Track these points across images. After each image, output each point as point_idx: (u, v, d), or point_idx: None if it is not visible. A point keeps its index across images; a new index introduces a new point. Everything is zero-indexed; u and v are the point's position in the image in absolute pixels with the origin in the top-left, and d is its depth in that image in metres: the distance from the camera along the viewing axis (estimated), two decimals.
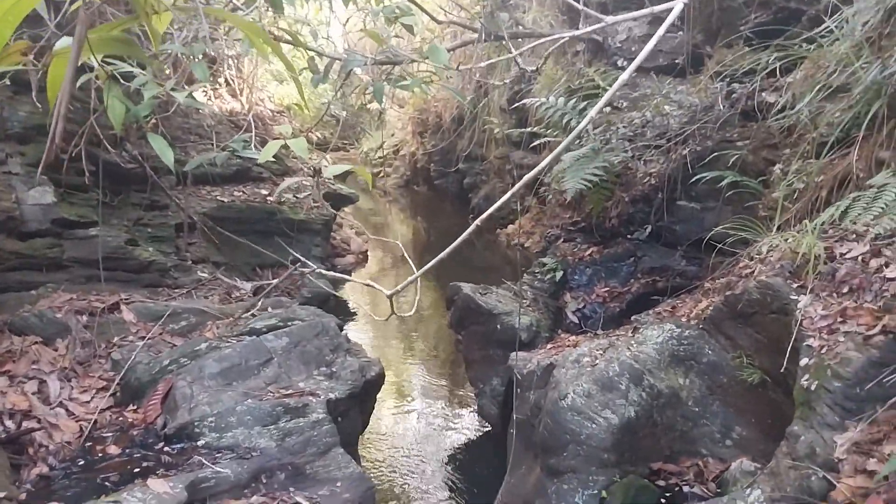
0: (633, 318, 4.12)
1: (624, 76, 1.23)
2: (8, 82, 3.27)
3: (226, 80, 8.04)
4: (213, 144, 6.16)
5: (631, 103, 6.08)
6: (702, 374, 3.40)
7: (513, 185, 8.73)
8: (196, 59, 3.52)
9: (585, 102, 5.92)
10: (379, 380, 4.08)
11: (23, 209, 3.75)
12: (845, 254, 2.90)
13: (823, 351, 2.60)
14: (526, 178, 1.92)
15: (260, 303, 4.50)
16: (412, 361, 6.61)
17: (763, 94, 4.50)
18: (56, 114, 0.92)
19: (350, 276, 9.31)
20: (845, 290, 2.76)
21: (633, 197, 5.55)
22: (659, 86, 5.51)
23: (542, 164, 1.94)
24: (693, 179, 4.66)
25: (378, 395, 4.30)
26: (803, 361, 2.66)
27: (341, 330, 4.23)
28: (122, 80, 3.05)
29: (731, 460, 3.14)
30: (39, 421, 2.94)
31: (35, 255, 3.87)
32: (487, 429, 5.15)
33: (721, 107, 4.83)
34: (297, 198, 6.66)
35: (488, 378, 5.09)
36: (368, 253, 10.34)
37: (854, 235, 3.00)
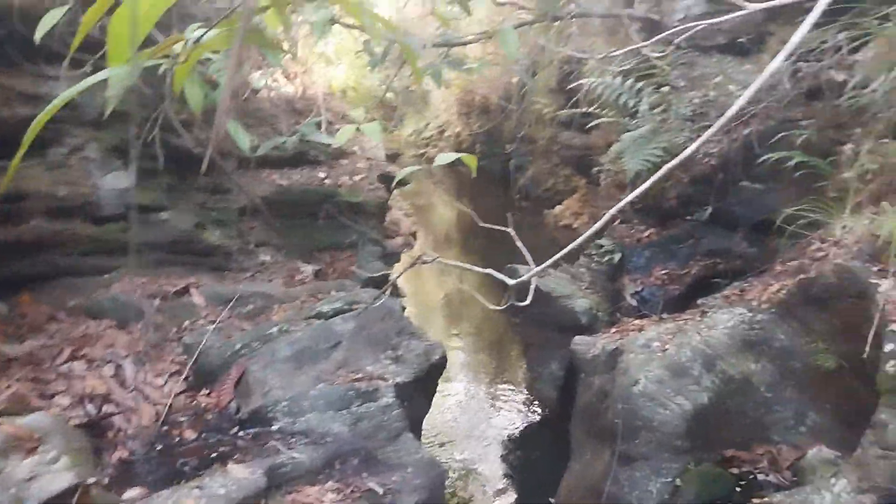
0: (699, 301, 4.05)
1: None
2: (89, 70, 3.35)
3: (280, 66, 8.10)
4: (272, 128, 6.23)
5: (689, 83, 5.92)
6: (774, 360, 3.33)
7: (560, 164, 8.57)
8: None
9: (642, 82, 5.80)
10: (442, 363, 4.09)
11: (99, 194, 3.88)
12: None
13: None
14: (667, 167, 1.84)
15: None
16: (463, 344, 6.65)
17: (830, 72, 4.33)
18: (223, 103, 0.94)
19: (401, 255, 9.38)
20: None
21: (693, 177, 5.43)
22: (720, 65, 5.35)
23: (708, 132, 1.84)
24: (757, 160, 4.52)
25: None
26: (888, 347, 2.58)
27: (404, 312, 4.27)
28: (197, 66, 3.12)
29: (806, 448, 3.07)
30: (118, 405, 3.04)
31: (108, 238, 3.99)
32: (545, 414, 5.15)
33: (786, 86, 4.67)
34: (353, 180, 6.70)
35: (546, 362, 5.08)
36: (416, 235, 10.38)
37: None
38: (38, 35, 2.48)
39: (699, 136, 5.20)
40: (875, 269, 2.93)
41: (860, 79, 3.74)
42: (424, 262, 1.59)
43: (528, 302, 1.49)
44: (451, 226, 12.52)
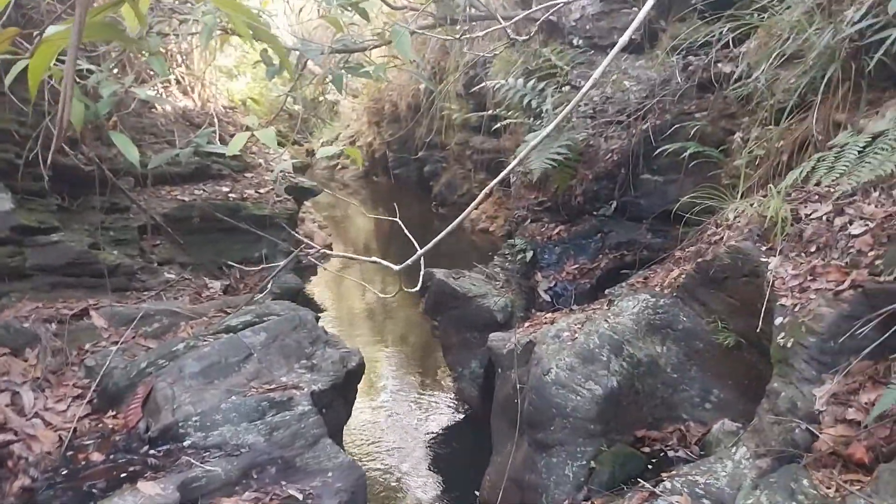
0: (606, 291, 4.20)
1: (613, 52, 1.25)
2: None
3: (176, 79, 7.83)
4: (168, 144, 6.01)
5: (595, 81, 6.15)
6: (678, 341, 3.49)
7: (473, 170, 8.69)
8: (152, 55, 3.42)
9: (544, 83, 5.97)
10: (360, 369, 4.06)
11: None
12: (810, 214, 3.01)
13: (796, 309, 2.69)
14: (528, 147, 1.92)
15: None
16: (386, 351, 6.61)
17: (718, 65, 4.61)
18: (62, 100, 0.89)
19: (318, 268, 9.24)
20: (813, 248, 2.87)
21: (597, 174, 5.63)
22: (617, 62, 5.58)
23: (547, 129, 1.93)
24: (655, 153, 4.75)
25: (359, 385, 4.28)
26: (778, 320, 2.75)
27: (318, 322, 4.20)
28: (77, 79, 2.96)
29: (712, 423, 3.23)
30: (16, 433, 2.84)
31: None
32: (468, 412, 5.19)
33: (678, 80, 4.94)
34: (259, 193, 6.54)
35: (466, 361, 5.13)
36: (333, 247, 10.28)
37: (817, 196, 3.11)
38: None
39: (599, 132, 5.42)
40: (764, 248, 3.12)
41: (744, 69, 3.99)
42: (308, 254, 1.58)
43: (418, 288, 1.51)
44: (368, 237, 12.47)
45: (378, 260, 1.52)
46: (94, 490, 2.66)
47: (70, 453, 2.91)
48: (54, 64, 2.60)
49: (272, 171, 7.52)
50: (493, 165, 8.75)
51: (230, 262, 5.97)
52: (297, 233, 8.46)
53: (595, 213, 5.63)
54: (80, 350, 3.52)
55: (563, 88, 5.96)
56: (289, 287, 6.00)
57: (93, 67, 3.08)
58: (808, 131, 3.33)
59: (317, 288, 8.32)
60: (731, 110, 4.53)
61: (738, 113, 4.42)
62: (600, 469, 3.09)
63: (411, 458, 4.62)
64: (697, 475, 2.62)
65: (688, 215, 4.02)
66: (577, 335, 3.50)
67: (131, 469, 2.77)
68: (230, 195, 6.17)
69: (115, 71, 4.81)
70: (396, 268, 1.36)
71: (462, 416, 5.21)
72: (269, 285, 4.99)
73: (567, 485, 3.10)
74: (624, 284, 4.14)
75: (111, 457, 2.88)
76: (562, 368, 3.31)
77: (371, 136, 14.96)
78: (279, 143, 9.64)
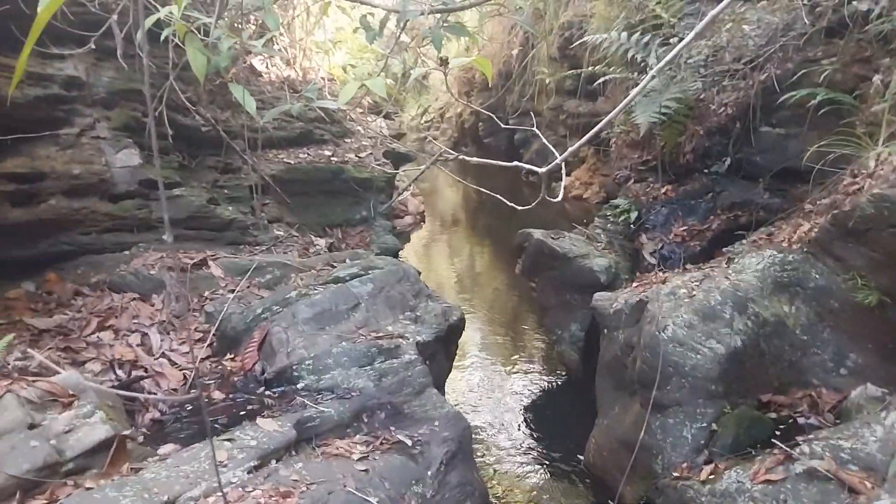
0: (724, 249, 3.95)
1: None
2: (93, 46, 3.31)
3: (279, 48, 8.04)
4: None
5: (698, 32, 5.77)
6: (809, 301, 3.23)
7: (567, 136, 8.40)
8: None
9: (650, 35, 5.66)
10: (461, 324, 4.05)
11: (112, 172, 3.86)
12: None
13: None
14: (632, 95, 1.77)
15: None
16: (480, 314, 6.58)
17: (853, 3, 4.19)
18: None
19: (410, 237, 9.34)
20: None
21: (709, 129, 5.29)
22: (731, 8, 5.20)
23: (639, 87, 1.79)
24: (776, 104, 4.40)
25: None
26: None
27: (419, 276, 4.21)
28: (198, 35, 3.04)
29: (848, 389, 2.95)
30: (146, 370, 3.02)
31: (126, 216, 4.02)
32: (567, 375, 5.08)
33: (804, 22, 4.53)
34: (359, 157, 6.64)
35: (566, 324, 5.00)
36: (425, 214, 10.36)
37: None
38: (40, 9, 2.41)
39: (712, 83, 5.08)
40: None
41: (885, 4, 3.60)
42: (447, 160, 1.53)
43: (559, 198, 1.42)
44: (458, 208, 12.47)
45: (520, 164, 1.44)
46: (216, 425, 2.78)
47: (193, 391, 3.06)
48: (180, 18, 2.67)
49: (371, 137, 7.61)
50: (589, 129, 8.41)
51: (330, 225, 6.11)
52: (392, 198, 8.56)
53: (706, 171, 5.31)
54: (201, 297, 3.71)
55: (669, 41, 5.63)
56: (388, 247, 6.09)
57: (208, 20, 3.16)
58: None
59: (409, 255, 8.41)
60: (865, 54, 4.10)
61: (875, 55, 4.00)
62: (723, 432, 2.90)
63: (511, 420, 4.57)
64: (841, 439, 2.41)
65: (817, 167, 3.69)
66: (694, 292, 3.30)
67: (249, 408, 2.89)
68: (332, 158, 6.30)
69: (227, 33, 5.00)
70: (541, 170, 1.29)
71: (562, 380, 5.11)
72: (371, 242, 5.05)
73: (685, 447, 2.95)
74: (744, 241, 3.87)
75: (231, 396, 3.01)
76: (679, 326, 3.13)
77: (460, 107, 14.87)
78: (376, 112, 9.70)
